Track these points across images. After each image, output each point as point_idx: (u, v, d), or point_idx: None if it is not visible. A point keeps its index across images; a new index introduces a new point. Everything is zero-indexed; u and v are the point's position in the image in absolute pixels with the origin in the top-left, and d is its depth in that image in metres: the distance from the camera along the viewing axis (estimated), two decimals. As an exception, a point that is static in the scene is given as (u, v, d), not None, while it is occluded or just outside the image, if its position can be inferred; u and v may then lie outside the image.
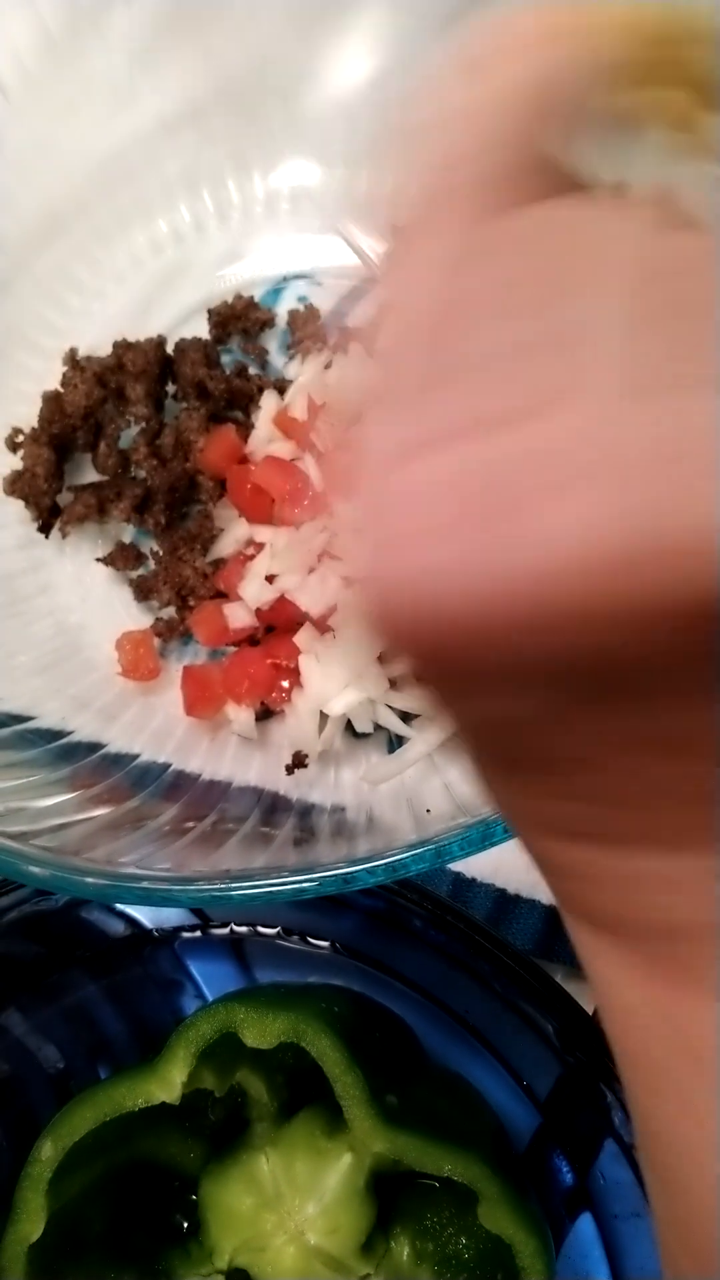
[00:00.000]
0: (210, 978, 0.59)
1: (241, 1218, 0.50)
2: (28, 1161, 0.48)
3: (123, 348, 0.67)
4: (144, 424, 0.66)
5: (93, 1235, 0.51)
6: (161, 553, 0.65)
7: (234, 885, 0.46)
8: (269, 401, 0.66)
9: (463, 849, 0.45)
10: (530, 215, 0.22)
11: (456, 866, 0.62)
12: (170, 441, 0.65)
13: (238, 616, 0.62)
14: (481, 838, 0.45)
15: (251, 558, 0.62)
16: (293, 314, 0.71)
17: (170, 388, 0.68)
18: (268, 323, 0.71)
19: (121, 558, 0.66)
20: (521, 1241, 0.47)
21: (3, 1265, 0.47)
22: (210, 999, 0.59)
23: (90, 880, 0.47)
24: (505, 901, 0.62)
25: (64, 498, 0.66)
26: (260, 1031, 0.48)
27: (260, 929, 0.58)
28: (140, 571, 0.66)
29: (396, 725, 0.60)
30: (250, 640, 0.63)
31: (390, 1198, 0.52)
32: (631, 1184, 0.52)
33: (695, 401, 0.18)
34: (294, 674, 0.60)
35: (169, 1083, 0.48)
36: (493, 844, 0.45)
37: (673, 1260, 0.26)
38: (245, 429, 0.66)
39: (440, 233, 0.22)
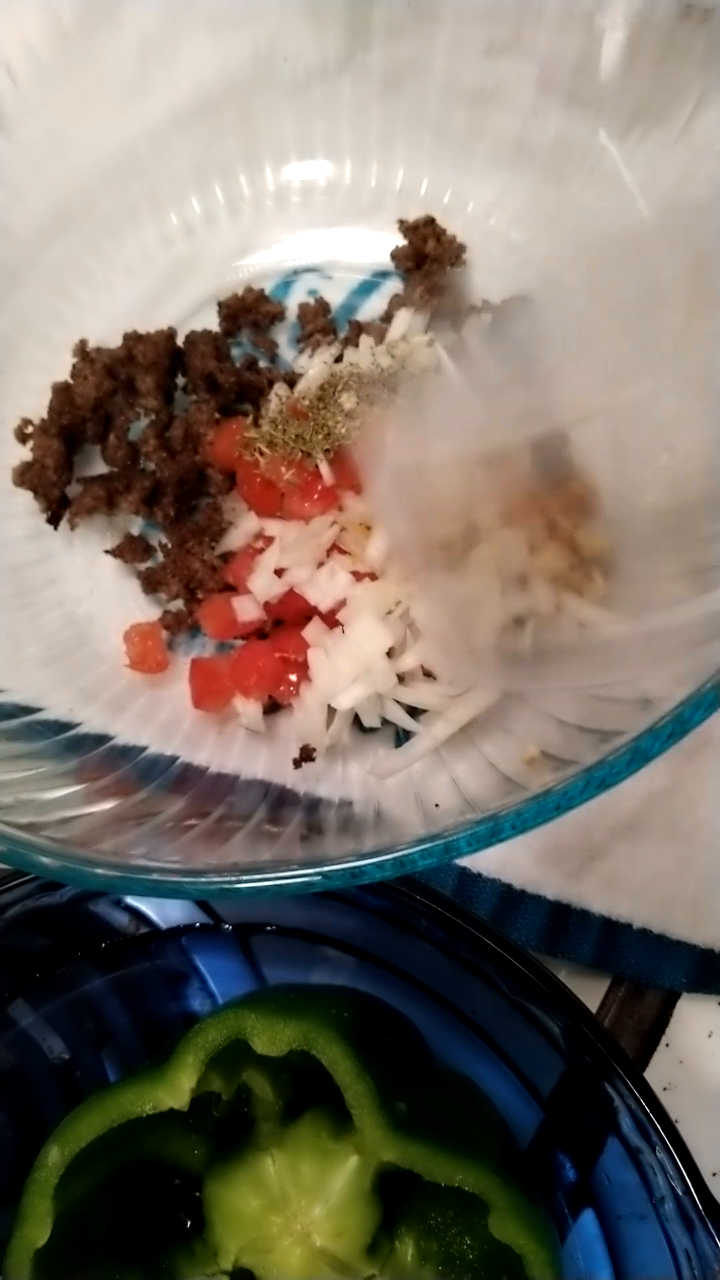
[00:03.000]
0: (217, 973, 0.59)
1: (247, 1219, 0.50)
2: (34, 1167, 0.48)
3: (133, 340, 0.67)
4: (153, 416, 0.66)
5: (97, 1236, 0.51)
6: (170, 545, 0.65)
7: (241, 878, 0.46)
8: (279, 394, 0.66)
9: (470, 845, 0.44)
10: None
11: (462, 861, 0.62)
12: (180, 434, 0.65)
13: (246, 610, 0.62)
14: (490, 834, 0.44)
15: (260, 551, 0.62)
16: (303, 307, 0.70)
17: (180, 380, 0.68)
18: (278, 316, 0.71)
19: (130, 550, 0.65)
20: (533, 1252, 0.46)
21: (8, 1270, 0.47)
22: (217, 994, 0.59)
23: (100, 871, 0.47)
24: (511, 897, 0.61)
25: (73, 489, 0.66)
26: (271, 1039, 0.47)
27: (267, 926, 0.58)
28: (149, 564, 0.66)
29: (404, 720, 0.59)
30: (258, 634, 0.63)
31: (395, 1197, 0.52)
32: (637, 1186, 0.52)
33: None
34: (302, 668, 0.60)
35: (177, 1089, 0.47)
36: (500, 840, 0.44)
37: None
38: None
39: None
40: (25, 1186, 0.48)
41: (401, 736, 0.61)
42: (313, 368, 0.65)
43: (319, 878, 0.45)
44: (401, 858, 0.45)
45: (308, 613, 0.61)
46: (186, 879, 0.46)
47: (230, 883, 0.46)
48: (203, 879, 0.46)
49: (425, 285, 0.67)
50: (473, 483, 0.57)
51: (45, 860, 0.46)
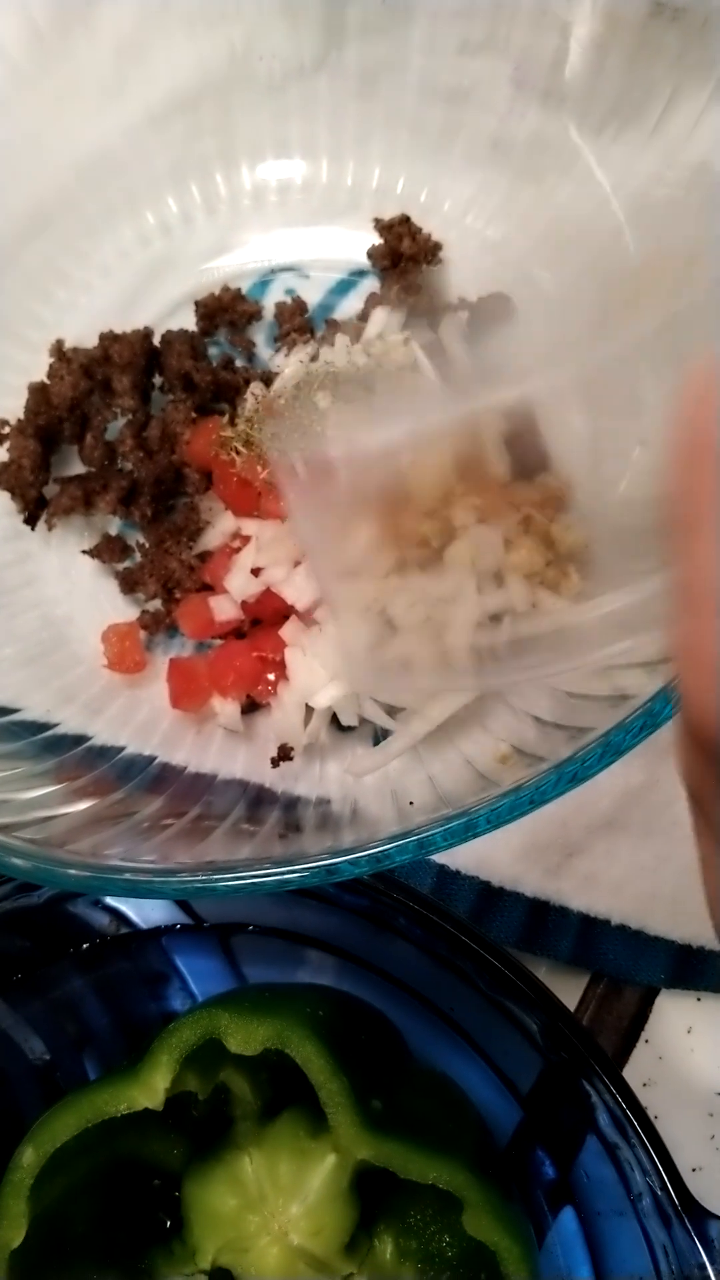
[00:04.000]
0: (198, 973, 0.59)
1: (225, 1218, 0.50)
2: (9, 1168, 0.48)
3: (109, 340, 0.67)
4: (130, 416, 0.66)
5: (75, 1236, 0.51)
6: (148, 545, 0.65)
7: (218, 877, 0.46)
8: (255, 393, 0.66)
9: (446, 840, 0.44)
10: None
11: (441, 859, 0.62)
12: (157, 433, 0.65)
13: (224, 609, 0.62)
14: (465, 829, 0.44)
15: (238, 550, 0.62)
16: (280, 306, 0.70)
17: (157, 380, 0.68)
18: (255, 315, 0.71)
19: (108, 550, 0.65)
20: (506, 1248, 0.47)
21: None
22: (198, 994, 0.59)
23: (73, 872, 0.47)
24: (489, 894, 0.61)
25: (50, 490, 0.66)
26: (245, 1038, 0.47)
27: (247, 926, 0.58)
28: (126, 564, 0.66)
29: (381, 718, 0.59)
30: (236, 633, 0.63)
31: (373, 1195, 0.52)
32: (614, 1182, 0.52)
33: None
34: (279, 667, 0.60)
35: (152, 1088, 0.47)
36: (476, 835, 0.44)
37: None
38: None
39: None
40: (0, 1188, 0.48)
41: (379, 735, 0.61)
42: (289, 367, 0.65)
43: (295, 875, 0.45)
44: (377, 854, 0.45)
45: (285, 612, 0.61)
46: (161, 878, 0.46)
47: (205, 881, 0.46)
48: (177, 878, 0.46)
49: (401, 284, 0.68)
50: (445, 477, 0.57)
51: (17, 862, 0.46)
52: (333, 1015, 0.51)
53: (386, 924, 0.56)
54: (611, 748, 0.43)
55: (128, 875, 0.46)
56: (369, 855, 0.45)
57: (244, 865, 0.47)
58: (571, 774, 0.43)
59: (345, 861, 0.45)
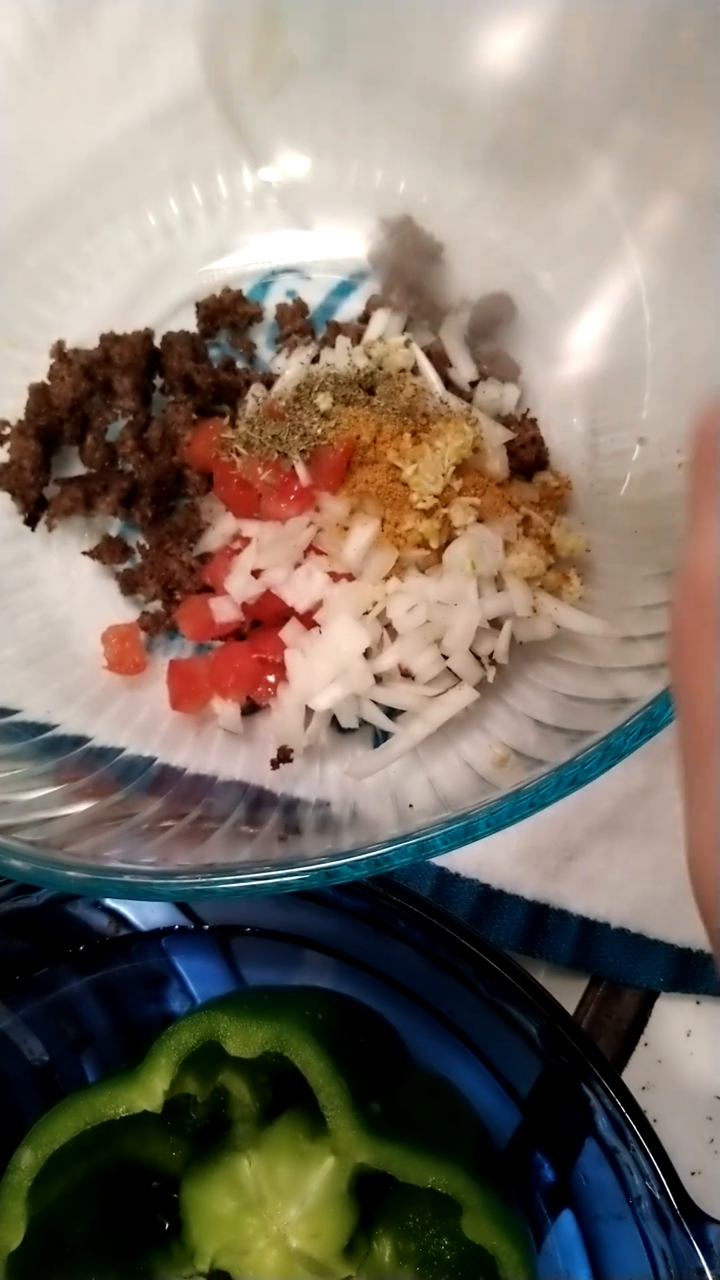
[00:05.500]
0: (197, 975, 0.59)
1: (223, 1221, 0.50)
2: (7, 1170, 0.48)
3: (110, 341, 0.66)
4: (131, 417, 0.66)
5: (74, 1237, 0.51)
6: (148, 546, 0.65)
7: (216, 879, 0.46)
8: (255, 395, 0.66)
9: (445, 843, 0.44)
10: None
11: (440, 862, 0.62)
12: (157, 435, 0.65)
13: (224, 611, 0.62)
14: (464, 832, 0.44)
15: (238, 552, 0.62)
16: (281, 308, 0.70)
17: (157, 381, 0.68)
18: (256, 316, 0.71)
19: (108, 551, 0.65)
20: (505, 1252, 0.46)
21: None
22: (197, 996, 0.58)
23: (73, 874, 0.47)
24: (489, 897, 0.61)
25: (50, 491, 0.66)
26: (244, 1041, 0.47)
27: (246, 928, 0.58)
28: (127, 565, 0.66)
29: (381, 720, 0.59)
30: (236, 635, 0.63)
31: (372, 1197, 0.51)
32: (614, 1186, 0.52)
33: None
34: (279, 669, 0.60)
35: (151, 1091, 0.47)
36: (475, 838, 0.44)
37: None
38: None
39: None
40: (-1, 1189, 0.48)
41: (379, 737, 0.61)
42: (290, 369, 0.65)
43: (294, 877, 0.45)
44: (377, 857, 0.45)
45: (285, 614, 0.61)
46: (160, 881, 0.46)
47: (204, 884, 0.46)
48: (176, 880, 0.46)
49: (403, 285, 0.67)
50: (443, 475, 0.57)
51: (17, 863, 0.46)
52: (332, 1018, 0.51)
53: (386, 927, 0.56)
54: (611, 751, 0.43)
55: (127, 877, 0.46)
56: (368, 858, 0.45)
57: (243, 867, 0.47)
58: (571, 777, 0.43)
59: (345, 864, 0.45)
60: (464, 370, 0.66)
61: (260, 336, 0.71)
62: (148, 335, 0.67)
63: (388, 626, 0.59)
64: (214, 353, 0.70)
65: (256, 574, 0.61)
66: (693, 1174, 0.60)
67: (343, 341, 0.66)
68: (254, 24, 0.68)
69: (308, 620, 0.60)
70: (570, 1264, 0.54)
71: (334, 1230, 0.50)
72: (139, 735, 0.62)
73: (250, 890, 0.45)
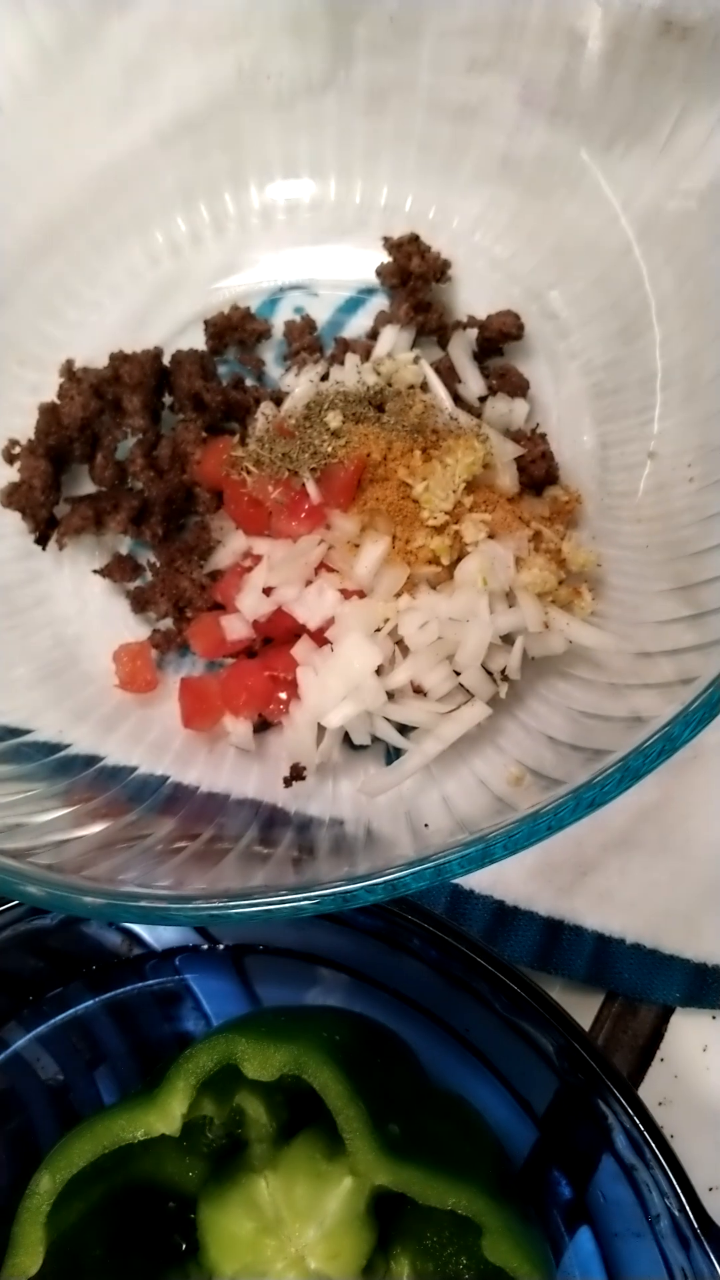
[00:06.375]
0: (211, 994, 0.59)
1: (241, 1242, 0.50)
2: (25, 1194, 0.48)
3: (119, 359, 0.67)
4: (140, 435, 0.66)
5: (91, 1260, 0.50)
6: (159, 564, 0.65)
7: (232, 904, 0.46)
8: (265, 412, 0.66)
9: (463, 866, 0.44)
10: None
11: (454, 879, 0.62)
12: (167, 453, 0.65)
13: (235, 628, 0.62)
14: (481, 855, 0.44)
15: (249, 569, 0.62)
16: (289, 325, 0.70)
17: (167, 399, 0.68)
18: (264, 333, 0.71)
19: (119, 569, 0.65)
20: (526, 1274, 0.46)
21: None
22: (211, 1014, 0.58)
23: (89, 900, 0.47)
24: (504, 914, 0.61)
25: (61, 509, 0.66)
26: (261, 1064, 0.47)
27: (260, 947, 0.58)
28: (137, 583, 0.66)
29: (394, 737, 0.59)
30: (247, 652, 0.63)
31: (390, 1217, 0.51)
32: (632, 1203, 0.52)
33: None
34: (291, 686, 0.60)
35: (169, 1115, 0.47)
36: (492, 861, 0.44)
37: None
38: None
39: None
40: (17, 1214, 0.47)
41: (392, 754, 0.61)
42: (299, 386, 0.65)
43: (309, 902, 0.45)
44: (393, 881, 0.45)
45: (296, 631, 0.61)
46: (175, 905, 0.46)
47: (220, 908, 0.45)
48: (192, 905, 0.46)
49: (410, 302, 0.68)
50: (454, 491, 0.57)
51: (32, 889, 0.46)
52: (349, 1038, 0.51)
53: (401, 945, 0.56)
54: (630, 773, 0.43)
55: (143, 902, 0.46)
56: (385, 882, 0.44)
57: (259, 892, 0.47)
58: (590, 800, 0.43)
59: (360, 889, 0.45)
60: (473, 386, 0.66)
61: (269, 353, 0.71)
62: (157, 353, 0.67)
63: (399, 643, 0.59)
64: (223, 370, 0.70)
65: (268, 591, 0.61)
66: (710, 1189, 0.60)
67: (351, 358, 0.66)
68: (258, 42, 0.69)
69: (319, 637, 0.60)
70: (589, 1282, 0.53)
71: (353, 1251, 0.49)
72: (151, 754, 0.62)
73: (266, 915, 0.45)
